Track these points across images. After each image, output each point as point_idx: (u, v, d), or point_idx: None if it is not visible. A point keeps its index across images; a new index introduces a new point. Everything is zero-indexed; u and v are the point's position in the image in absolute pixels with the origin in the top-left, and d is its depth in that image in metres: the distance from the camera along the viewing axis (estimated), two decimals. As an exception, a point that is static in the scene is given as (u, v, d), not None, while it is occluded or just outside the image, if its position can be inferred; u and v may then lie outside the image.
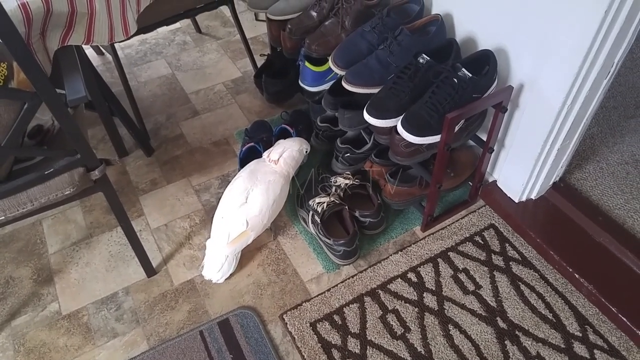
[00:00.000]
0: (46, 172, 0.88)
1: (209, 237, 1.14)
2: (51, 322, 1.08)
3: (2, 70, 0.78)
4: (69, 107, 0.83)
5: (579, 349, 1.01)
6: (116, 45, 1.37)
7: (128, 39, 1.07)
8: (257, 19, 2.01)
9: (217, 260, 1.11)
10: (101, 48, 1.82)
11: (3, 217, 0.87)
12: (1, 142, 0.78)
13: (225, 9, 2.02)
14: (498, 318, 1.06)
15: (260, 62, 1.67)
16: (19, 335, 1.06)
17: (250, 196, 1.09)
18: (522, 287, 1.11)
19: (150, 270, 1.16)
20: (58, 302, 1.12)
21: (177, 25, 1.95)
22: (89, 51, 1.77)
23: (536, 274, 1.13)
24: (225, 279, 1.14)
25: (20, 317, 1.09)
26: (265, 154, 1.18)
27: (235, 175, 1.18)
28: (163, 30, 1.90)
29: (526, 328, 1.04)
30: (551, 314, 1.06)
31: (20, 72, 0.82)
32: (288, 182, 1.17)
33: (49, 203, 0.91)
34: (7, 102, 0.77)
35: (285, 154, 1.15)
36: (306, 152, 1.22)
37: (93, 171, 0.93)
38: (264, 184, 1.11)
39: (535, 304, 1.08)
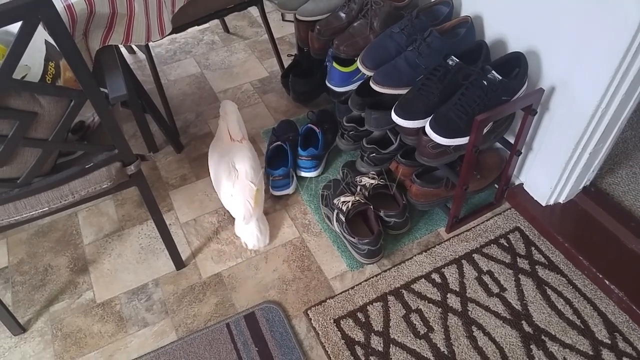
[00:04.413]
0: (87, 166, 0.93)
1: (233, 226, 1.22)
2: (86, 310, 1.13)
3: (51, 69, 0.83)
4: (111, 104, 0.87)
5: (608, 356, 0.99)
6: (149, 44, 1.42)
7: (162, 38, 1.11)
8: (283, 19, 2.03)
9: (252, 230, 1.20)
10: (133, 47, 1.88)
11: (47, 208, 0.92)
12: (49, 137, 0.83)
13: (252, 9, 2.05)
14: (523, 322, 1.05)
15: (287, 62, 1.69)
16: (56, 321, 1.12)
17: (236, 166, 1.20)
18: (549, 291, 1.10)
19: (179, 263, 1.19)
20: (93, 291, 1.17)
21: (206, 25, 1.99)
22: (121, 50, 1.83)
23: (563, 279, 1.12)
24: (256, 272, 1.18)
25: (58, 303, 1.15)
26: (225, 139, 1.25)
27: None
28: (192, 29, 1.94)
29: (553, 333, 1.03)
30: (579, 320, 1.05)
31: (66, 70, 0.87)
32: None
33: (87, 196, 0.95)
34: (55, 99, 0.81)
35: (242, 128, 1.26)
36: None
37: (129, 166, 0.97)
38: (236, 150, 1.21)
39: (562, 309, 1.07)
